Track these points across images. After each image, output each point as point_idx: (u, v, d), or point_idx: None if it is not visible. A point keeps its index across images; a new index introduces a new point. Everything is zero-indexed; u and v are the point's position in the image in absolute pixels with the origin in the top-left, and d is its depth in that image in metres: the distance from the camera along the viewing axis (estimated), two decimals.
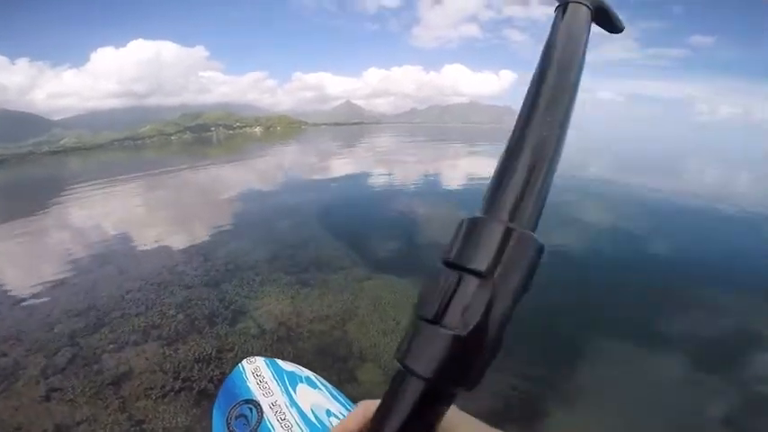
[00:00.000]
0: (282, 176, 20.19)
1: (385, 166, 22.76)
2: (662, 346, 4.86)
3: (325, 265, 7.09)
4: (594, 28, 0.43)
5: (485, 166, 23.83)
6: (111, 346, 4.74)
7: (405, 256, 7.94)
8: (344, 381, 4.50)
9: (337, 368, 4.64)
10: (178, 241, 8.51)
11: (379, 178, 18.14)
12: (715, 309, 5.70)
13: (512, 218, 0.32)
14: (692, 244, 9.03)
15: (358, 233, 9.01)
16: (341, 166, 22.47)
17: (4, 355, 4.72)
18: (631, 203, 13.41)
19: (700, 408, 4.01)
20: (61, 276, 6.93)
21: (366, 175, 19.32)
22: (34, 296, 6.30)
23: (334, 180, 17.49)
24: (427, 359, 0.30)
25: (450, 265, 0.31)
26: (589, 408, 3.93)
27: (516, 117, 0.38)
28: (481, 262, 0.30)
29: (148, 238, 8.96)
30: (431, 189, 15.43)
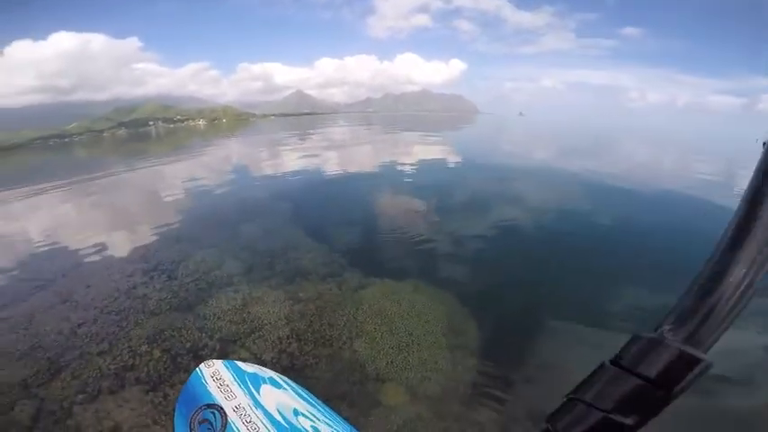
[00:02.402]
0: (237, 172, 18.57)
1: (344, 157, 21.95)
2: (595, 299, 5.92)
3: (311, 274, 6.36)
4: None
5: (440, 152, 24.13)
6: (81, 396, 3.73)
7: (390, 253, 7.53)
8: (369, 407, 3.93)
9: (356, 393, 4.03)
10: (131, 256, 7.27)
11: (339, 169, 17.38)
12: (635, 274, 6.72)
13: (692, 341, 0.37)
14: (623, 218, 10.30)
15: (333, 231, 8.39)
16: (299, 160, 21.26)
17: None
18: (571, 183, 14.62)
19: None
20: None
21: (327, 166, 18.40)
22: None
23: (294, 174, 16.40)
24: None
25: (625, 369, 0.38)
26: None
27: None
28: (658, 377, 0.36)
29: (91, 254, 7.60)
30: (396, 178, 14.99)
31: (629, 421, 0.37)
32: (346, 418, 1.62)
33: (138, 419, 3.45)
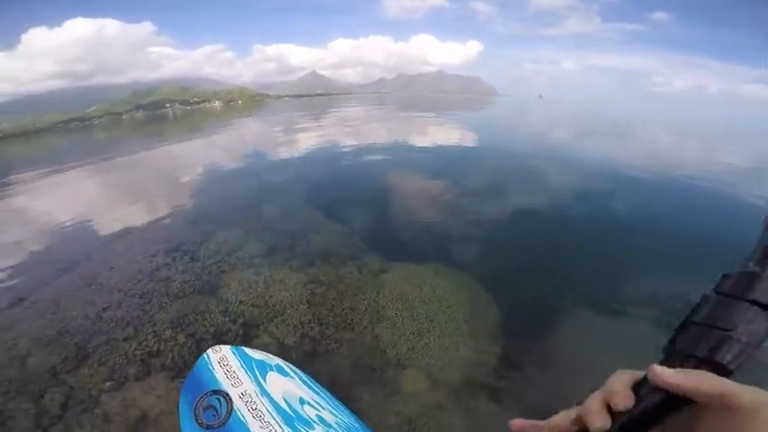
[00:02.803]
0: (254, 153, 18.56)
1: (361, 137, 21.70)
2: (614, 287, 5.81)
3: (331, 256, 6.32)
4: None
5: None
6: (108, 383, 3.80)
7: (408, 236, 7.46)
8: (389, 394, 3.90)
9: (377, 380, 4.01)
10: (153, 236, 7.34)
11: (357, 150, 17.17)
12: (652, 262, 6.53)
13: None
14: (642, 205, 10.04)
15: (350, 213, 8.29)
16: (314, 140, 21.13)
17: None
18: (591, 168, 14.28)
19: None
20: (15, 293, 5.68)
21: (344, 146, 18.20)
22: None
23: (310, 154, 16.31)
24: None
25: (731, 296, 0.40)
26: None
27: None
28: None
29: (114, 235, 7.70)
30: (412, 159, 14.75)
31: (747, 338, 0.37)
32: (351, 408, 1.64)
33: (165, 407, 3.48)
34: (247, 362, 1.50)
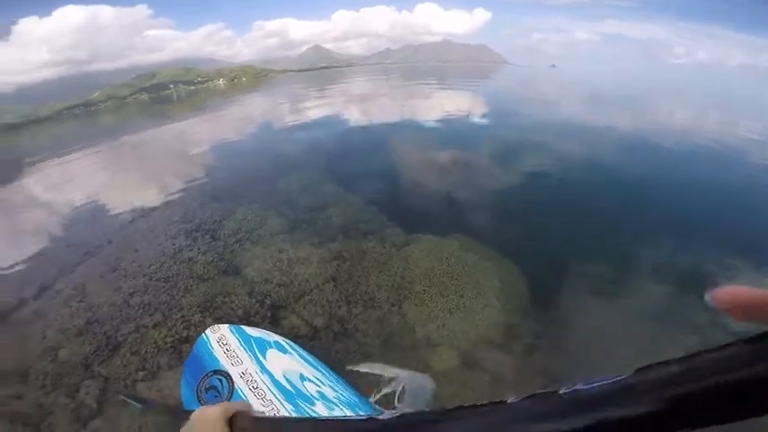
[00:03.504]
0: (263, 127, 18.22)
1: (368, 109, 21.14)
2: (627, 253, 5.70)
3: (352, 230, 6.22)
4: None
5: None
6: (142, 373, 3.79)
7: (426, 206, 7.37)
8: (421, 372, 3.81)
9: (408, 359, 3.95)
10: (172, 216, 7.25)
11: (364, 121, 16.75)
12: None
13: None
14: (658, 174, 9.77)
15: (366, 185, 8.18)
16: (322, 111, 20.65)
17: (19, 397, 3.71)
18: (605, 138, 13.78)
19: None
20: (39, 282, 5.68)
21: (351, 119, 17.74)
22: (15, 309, 5.14)
23: (320, 126, 16.01)
24: None
25: None
26: None
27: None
28: None
29: (133, 216, 7.64)
30: (423, 130, 14.40)
31: None
32: (350, 383, 1.60)
33: None
34: (246, 340, 1.50)
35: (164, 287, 5.05)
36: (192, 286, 4.99)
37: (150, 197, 8.53)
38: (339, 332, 4.22)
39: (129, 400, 2.96)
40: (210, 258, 5.57)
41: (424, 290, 4.84)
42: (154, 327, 4.32)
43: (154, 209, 7.83)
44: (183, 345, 4.05)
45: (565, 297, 4.80)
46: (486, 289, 4.87)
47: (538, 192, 8.25)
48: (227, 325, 1.57)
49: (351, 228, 6.27)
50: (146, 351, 4.00)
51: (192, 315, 4.42)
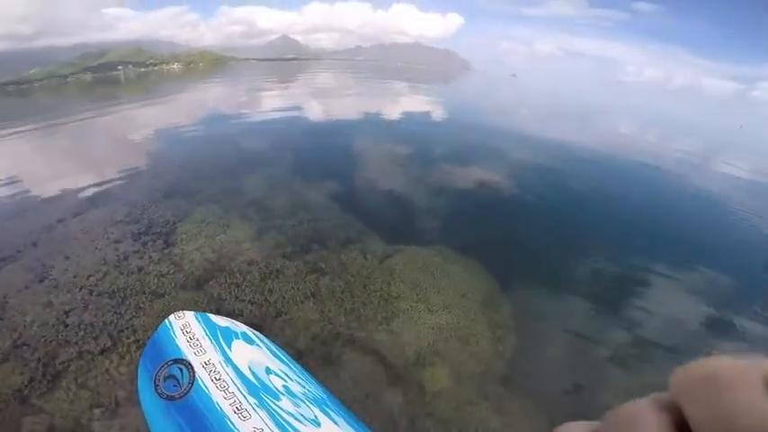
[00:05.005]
0: (217, 119, 16.71)
1: (329, 104, 20.46)
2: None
3: (328, 239, 5.76)
4: None
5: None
6: (97, 410, 3.05)
7: (404, 214, 7.25)
8: (416, 396, 3.68)
9: (402, 382, 3.75)
10: (114, 215, 6.15)
11: (330, 117, 16.25)
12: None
13: None
14: (599, 185, 11.32)
15: (338, 187, 7.87)
16: (282, 104, 19.65)
17: None
18: (554, 148, 15.18)
19: None
20: None
21: (314, 115, 17.05)
22: None
23: (284, 121, 15.24)
24: None
25: None
26: None
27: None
28: None
29: (65, 213, 6.42)
30: (383, 129, 14.47)
31: None
32: (318, 380, 1.53)
33: None
34: (212, 329, 1.42)
35: (108, 304, 4.25)
36: (144, 304, 4.25)
37: (87, 191, 7.30)
38: (324, 356, 3.77)
39: None
40: (165, 269, 4.82)
41: (411, 306, 4.53)
42: (101, 353, 3.58)
43: (92, 205, 6.66)
44: None
45: (551, 302, 4.81)
46: (473, 303, 4.67)
47: (483, 196, 8.85)
48: (192, 312, 1.43)
49: (327, 236, 5.87)
50: (96, 383, 3.28)
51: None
